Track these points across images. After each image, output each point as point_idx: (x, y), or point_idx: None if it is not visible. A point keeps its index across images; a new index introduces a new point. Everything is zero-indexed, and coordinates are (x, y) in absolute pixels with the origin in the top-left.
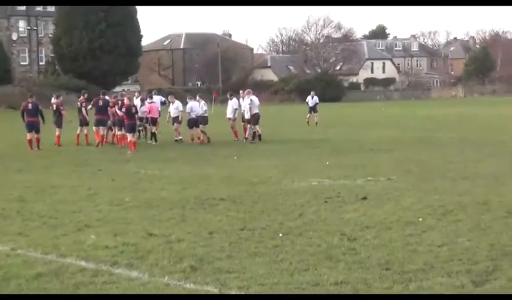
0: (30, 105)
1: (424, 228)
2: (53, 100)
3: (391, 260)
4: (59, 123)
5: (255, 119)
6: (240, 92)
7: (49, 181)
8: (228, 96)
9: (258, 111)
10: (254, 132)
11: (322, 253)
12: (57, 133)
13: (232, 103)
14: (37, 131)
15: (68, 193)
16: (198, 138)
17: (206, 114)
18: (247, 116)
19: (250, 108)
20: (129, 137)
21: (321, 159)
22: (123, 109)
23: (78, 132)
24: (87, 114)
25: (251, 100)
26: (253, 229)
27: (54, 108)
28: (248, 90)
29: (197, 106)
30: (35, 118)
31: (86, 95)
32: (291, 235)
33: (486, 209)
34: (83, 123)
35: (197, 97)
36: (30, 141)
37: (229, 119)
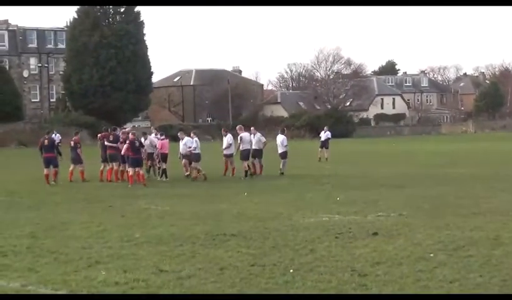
0: (46, 141)
1: (435, 264)
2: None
3: None
4: (76, 159)
5: (243, 155)
6: (252, 128)
7: (60, 217)
8: (223, 132)
9: (249, 147)
10: (261, 166)
11: (333, 289)
12: (79, 168)
13: (227, 138)
14: (55, 166)
15: (79, 229)
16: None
17: (198, 151)
18: (231, 152)
19: (240, 144)
20: (130, 171)
21: (331, 195)
22: (127, 143)
23: (71, 168)
24: (81, 152)
25: (240, 138)
26: (263, 265)
27: (72, 144)
28: (240, 126)
29: (191, 141)
30: (51, 153)
31: (79, 135)
32: (302, 271)
33: (498, 244)
34: (76, 161)
35: (191, 134)
36: (46, 176)
37: (224, 154)
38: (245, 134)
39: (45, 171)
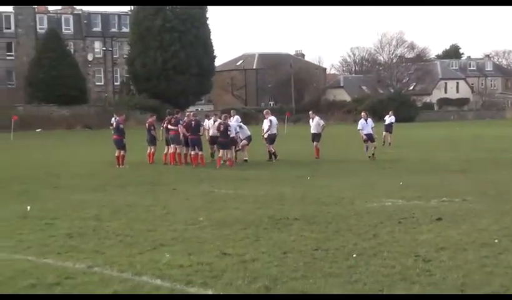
0: (114, 123)
1: (501, 250)
2: (113, 120)
3: (467, 282)
4: (152, 141)
5: (270, 139)
6: (310, 112)
7: (124, 200)
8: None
9: (276, 132)
10: (269, 152)
11: (397, 274)
12: (152, 150)
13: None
14: (121, 148)
15: (143, 212)
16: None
17: (274, 132)
18: (266, 135)
19: (269, 128)
20: (192, 152)
21: (394, 180)
22: (184, 124)
23: (152, 150)
24: (155, 133)
25: (270, 121)
26: (327, 249)
27: (147, 127)
28: (267, 110)
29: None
30: (117, 135)
31: (154, 117)
32: (365, 256)
33: None
34: (151, 143)
35: (213, 116)
36: (117, 158)
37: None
38: (273, 118)
39: (116, 153)
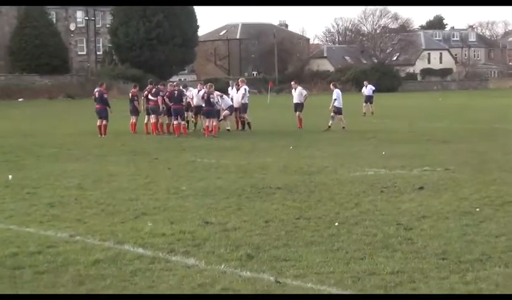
0: (96, 93)
1: (482, 218)
2: (96, 89)
3: (448, 250)
4: (134, 111)
5: (244, 108)
6: (292, 82)
7: (107, 169)
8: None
9: (247, 101)
10: (243, 121)
11: (378, 242)
12: (134, 120)
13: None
14: (103, 118)
15: (126, 181)
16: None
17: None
18: (237, 105)
19: (243, 96)
20: (175, 122)
21: (377, 149)
22: (167, 94)
23: (133, 121)
24: (138, 104)
25: (245, 89)
26: (309, 218)
27: (130, 97)
28: (242, 79)
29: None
30: (100, 105)
31: (138, 88)
32: (348, 225)
33: None
34: (134, 113)
35: (198, 86)
36: (99, 127)
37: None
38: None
39: (98, 122)
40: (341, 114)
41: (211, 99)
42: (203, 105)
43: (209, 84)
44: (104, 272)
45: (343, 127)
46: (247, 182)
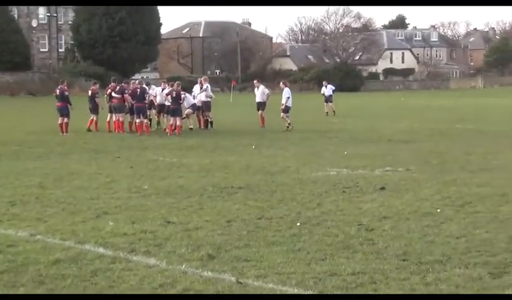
0: (58, 91)
1: (442, 219)
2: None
3: (409, 251)
4: (94, 109)
5: (207, 106)
6: (255, 81)
7: (68, 168)
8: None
9: (210, 99)
10: (206, 120)
11: (340, 243)
12: (95, 119)
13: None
14: (64, 115)
15: (87, 180)
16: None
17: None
18: (199, 104)
19: (205, 95)
20: (136, 120)
21: (339, 149)
22: (129, 92)
23: (94, 119)
24: (99, 102)
25: (208, 87)
26: (270, 218)
27: (90, 94)
28: (205, 77)
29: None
30: (61, 103)
31: (98, 85)
32: (309, 225)
33: (505, 201)
34: (93, 111)
35: (162, 84)
36: (60, 125)
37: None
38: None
39: (59, 120)
40: (288, 112)
41: (181, 97)
42: (169, 103)
43: (177, 82)
44: (65, 272)
45: (288, 127)
46: (209, 182)
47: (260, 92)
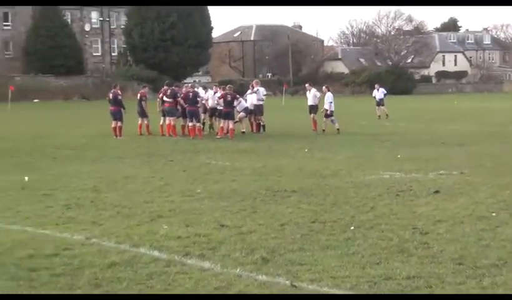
0: (110, 95)
1: (498, 223)
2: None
3: (464, 255)
4: (141, 113)
5: (260, 110)
6: (307, 85)
7: (122, 171)
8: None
9: (262, 102)
10: (259, 124)
11: (394, 247)
12: (146, 122)
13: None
14: (118, 119)
15: (141, 183)
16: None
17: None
18: (252, 107)
19: (258, 99)
20: (189, 123)
21: (392, 152)
22: (182, 96)
23: (140, 122)
24: (146, 105)
25: (259, 91)
26: (324, 222)
27: (138, 98)
28: (257, 80)
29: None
30: (114, 107)
31: (147, 89)
32: (363, 229)
33: None
34: (142, 115)
35: (214, 88)
36: (114, 129)
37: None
38: (262, 89)
39: (112, 124)
40: (332, 116)
41: (235, 100)
42: (221, 107)
43: (228, 85)
44: (120, 275)
45: (323, 130)
46: (262, 185)
47: (312, 95)
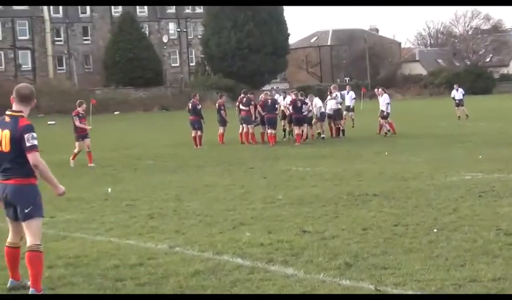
0: (190, 105)
1: None
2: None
3: None
4: (222, 122)
5: (339, 114)
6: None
7: (203, 180)
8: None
9: (340, 107)
10: (338, 128)
11: (478, 248)
12: (221, 131)
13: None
14: (197, 129)
15: (222, 192)
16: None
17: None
18: (330, 112)
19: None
20: (268, 131)
21: (473, 153)
22: (260, 103)
23: (221, 131)
24: (225, 114)
25: (336, 95)
26: (407, 225)
27: (217, 107)
28: (335, 85)
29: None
30: (193, 116)
31: (224, 98)
32: (446, 231)
33: None
34: (221, 123)
35: (292, 95)
36: (194, 138)
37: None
38: (339, 93)
39: (193, 133)
40: (387, 118)
41: (304, 106)
42: (292, 112)
43: (295, 92)
44: (204, 283)
45: (386, 133)
46: (343, 190)
47: (383, 100)
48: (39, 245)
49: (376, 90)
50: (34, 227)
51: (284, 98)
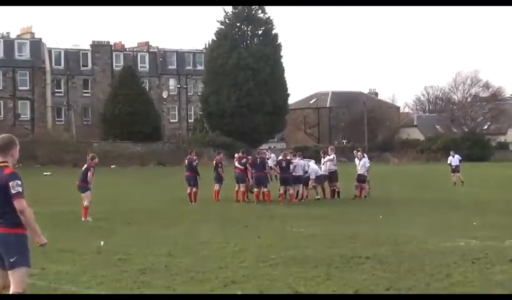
0: (186, 161)
1: None
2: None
3: None
4: (218, 179)
5: (336, 176)
6: (354, 152)
7: (197, 237)
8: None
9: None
10: (334, 190)
11: None
12: (216, 188)
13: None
14: (193, 185)
15: (215, 249)
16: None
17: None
18: (326, 173)
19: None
20: (263, 189)
21: (467, 219)
22: (249, 162)
23: (217, 188)
24: (223, 171)
25: (334, 157)
26: (399, 289)
27: (214, 164)
28: (332, 147)
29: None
30: (189, 172)
31: (221, 155)
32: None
33: None
34: (218, 180)
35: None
36: (189, 194)
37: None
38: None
39: (188, 189)
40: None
41: (290, 165)
42: (279, 172)
43: (284, 152)
44: None
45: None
46: (336, 252)
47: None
48: (21, 294)
49: (355, 152)
50: (17, 277)
51: (268, 158)
